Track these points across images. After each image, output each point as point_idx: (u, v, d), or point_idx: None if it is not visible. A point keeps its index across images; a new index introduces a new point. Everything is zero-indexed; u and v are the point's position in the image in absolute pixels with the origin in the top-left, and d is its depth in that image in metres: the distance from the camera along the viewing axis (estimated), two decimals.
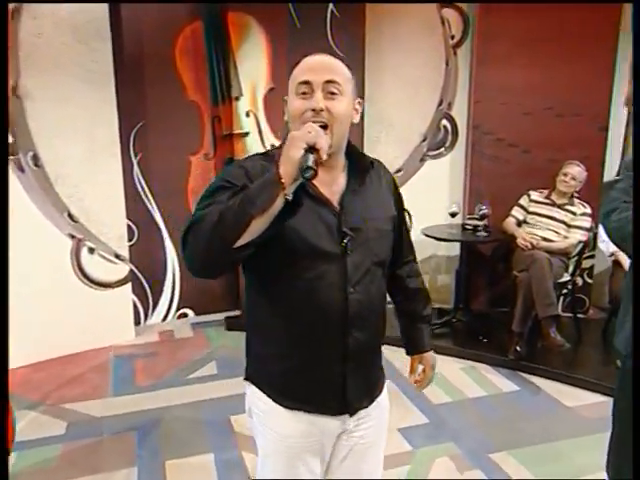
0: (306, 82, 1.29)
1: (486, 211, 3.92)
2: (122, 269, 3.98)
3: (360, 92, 4.48)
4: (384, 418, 1.53)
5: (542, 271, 3.44)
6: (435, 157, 4.54)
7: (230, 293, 4.43)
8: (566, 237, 3.74)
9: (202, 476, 2.59)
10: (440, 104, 4.42)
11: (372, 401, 1.47)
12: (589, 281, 4.40)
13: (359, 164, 1.42)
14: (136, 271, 4.19)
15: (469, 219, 4.12)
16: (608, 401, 3.15)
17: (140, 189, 4.15)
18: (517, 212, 3.95)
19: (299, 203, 1.17)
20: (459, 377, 3.51)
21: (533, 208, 3.89)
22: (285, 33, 3.98)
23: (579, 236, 3.74)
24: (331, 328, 1.34)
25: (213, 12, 4.04)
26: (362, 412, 1.44)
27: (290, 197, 1.14)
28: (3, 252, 1.78)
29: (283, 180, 1.12)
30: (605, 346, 3.84)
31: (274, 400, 1.40)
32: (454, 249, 4.42)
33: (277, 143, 4.11)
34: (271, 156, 1.36)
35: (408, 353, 1.66)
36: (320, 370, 1.37)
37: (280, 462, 1.42)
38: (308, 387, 1.38)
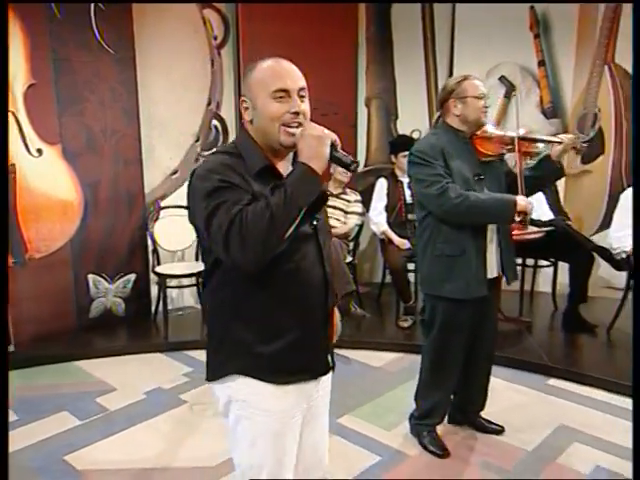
0: (284, 89, 1.57)
1: None
2: None
3: (135, 93, 4.43)
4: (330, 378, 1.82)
5: (337, 254, 4.12)
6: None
7: None
8: (345, 223, 4.51)
9: None
10: (209, 104, 4.75)
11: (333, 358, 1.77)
12: (355, 261, 5.30)
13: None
14: None
15: None
16: (403, 356, 4.09)
17: None
18: None
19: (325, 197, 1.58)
20: None
21: None
22: (44, 23, 3.79)
23: (355, 220, 4.56)
24: (317, 300, 1.63)
25: None
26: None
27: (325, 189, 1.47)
28: (3, 252, 1.60)
29: (320, 174, 1.45)
30: (381, 312, 4.78)
31: (264, 380, 1.59)
32: None
33: (43, 145, 3.99)
34: (236, 154, 1.58)
35: None
36: (312, 339, 1.63)
37: (271, 440, 1.61)
38: (304, 358, 1.63)
